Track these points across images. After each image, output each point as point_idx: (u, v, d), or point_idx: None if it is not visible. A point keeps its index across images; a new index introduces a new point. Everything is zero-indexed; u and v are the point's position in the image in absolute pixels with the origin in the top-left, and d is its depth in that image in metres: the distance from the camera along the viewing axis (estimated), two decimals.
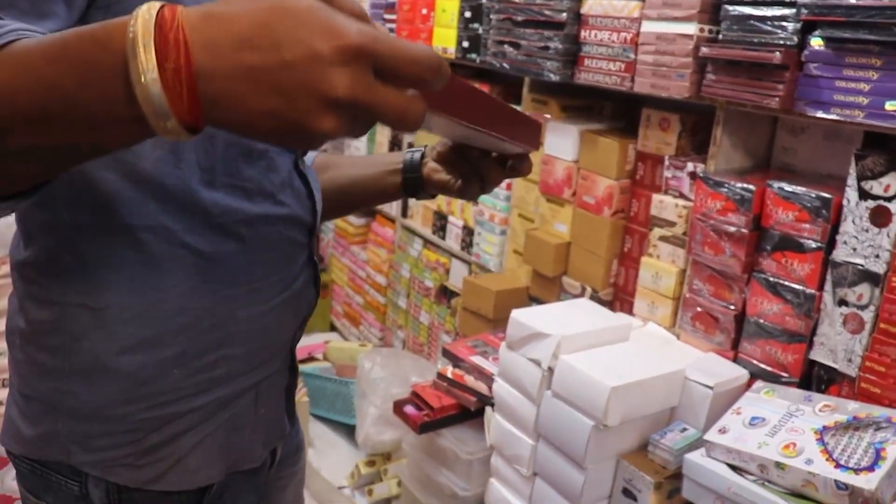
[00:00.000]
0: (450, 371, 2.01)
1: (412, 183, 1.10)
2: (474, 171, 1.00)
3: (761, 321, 1.64)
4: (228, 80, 0.46)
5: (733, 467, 1.42)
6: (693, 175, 1.79)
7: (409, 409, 2.04)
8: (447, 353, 2.07)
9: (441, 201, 2.78)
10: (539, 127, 0.92)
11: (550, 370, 1.63)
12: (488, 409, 1.89)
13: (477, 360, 1.98)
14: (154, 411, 0.90)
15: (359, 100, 0.46)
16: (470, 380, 1.97)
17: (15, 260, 0.90)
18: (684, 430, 1.61)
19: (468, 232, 2.63)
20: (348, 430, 2.84)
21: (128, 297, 0.86)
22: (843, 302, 1.50)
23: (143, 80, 0.46)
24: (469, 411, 1.98)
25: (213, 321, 0.90)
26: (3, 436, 0.96)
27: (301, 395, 2.75)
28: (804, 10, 1.45)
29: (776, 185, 1.59)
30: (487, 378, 1.91)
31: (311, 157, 1.18)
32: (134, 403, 0.89)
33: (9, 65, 0.50)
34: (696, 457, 1.47)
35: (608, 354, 1.63)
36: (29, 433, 0.92)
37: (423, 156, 1.10)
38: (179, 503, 0.95)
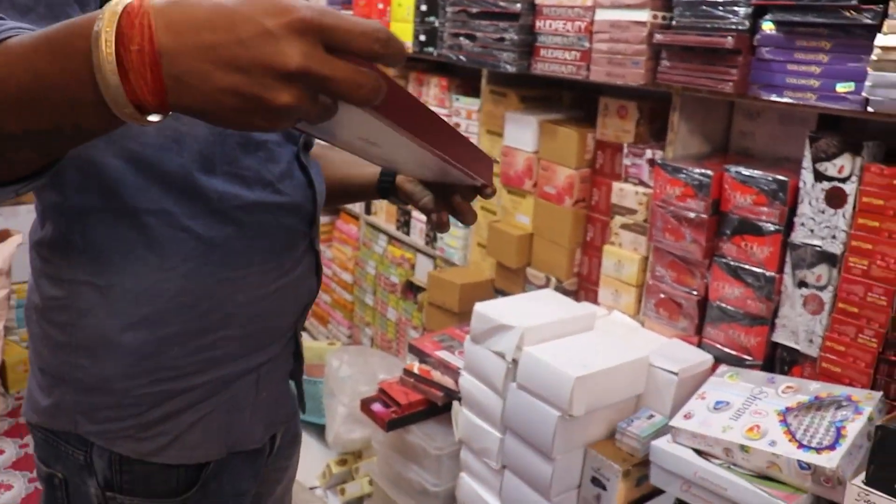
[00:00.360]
0: (416, 367, 2.00)
1: (385, 186, 1.16)
2: (439, 192, 1.04)
3: (724, 305, 1.65)
4: (190, 58, 0.49)
5: (699, 452, 1.43)
6: (652, 162, 1.79)
7: (377, 406, 2.02)
8: (413, 349, 2.06)
9: None
10: (491, 163, 0.92)
11: (515, 362, 1.62)
12: (455, 404, 1.88)
13: (443, 354, 1.97)
14: (155, 386, 0.95)
15: (312, 70, 0.49)
16: (437, 375, 1.96)
17: (32, 239, 0.97)
18: (651, 416, 1.61)
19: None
20: (318, 430, 2.82)
21: (131, 277, 0.91)
22: (802, 283, 1.51)
23: (102, 68, 0.50)
24: (437, 406, 1.96)
25: (211, 303, 0.95)
26: (24, 406, 1.03)
27: None
28: None
29: (733, 169, 1.60)
30: (454, 372, 1.90)
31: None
32: (136, 378, 0.94)
33: (2, 56, 0.55)
34: (663, 443, 1.48)
35: (572, 344, 1.63)
36: (43, 404, 0.98)
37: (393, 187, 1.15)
38: (178, 477, 1.00)
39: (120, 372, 0.94)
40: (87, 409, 0.96)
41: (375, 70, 0.51)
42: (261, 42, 0.49)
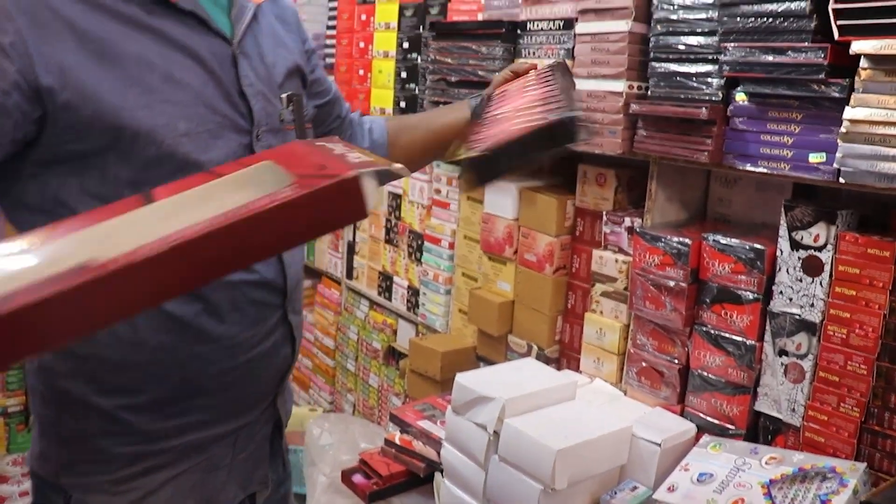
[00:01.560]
0: (397, 437, 1.97)
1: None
2: None
3: (705, 374, 1.64)
4: None
5: None
6: (631, 230, 1.80)
7: (358, 477, 1.98)
8: (395, 419, 2.03)
9: (385, 262, 2.76)
10: (345, 187, 0.63)
11: (496, 434, 1.60)
12: (437, 476, 1.84)
13: (424, 424, 1.94)
14: (128, 447, 1.03)
15: None
16: (418, 445, 1.93)
17: None
18: (635, 488, 1.58)
19: (413, 292, 2.60)
20: (299, 500, 2.75)
21: (107, 349, 1.00)
22: (783, 352, 1.51)
23: None
24: (419, 478, 1.93)
25: (182, 374, 1.02)
26: (28, 452, 1.13)
27: None
28: (726, 67, 1.48)
29: (711, 237, 1.61)
30: (436, 443, 1.87)
31: (381, 126, 1.43)
32: (110, 438, 1.02)
33: None
34: None
35: (554, 415, 1.60)
36: (35, 451, 1.08)
37: (485, 99, 1.28)
38: None
39: (95, 431, 1.02)
40: (67, 462, 1.04)
41: None
42: None
